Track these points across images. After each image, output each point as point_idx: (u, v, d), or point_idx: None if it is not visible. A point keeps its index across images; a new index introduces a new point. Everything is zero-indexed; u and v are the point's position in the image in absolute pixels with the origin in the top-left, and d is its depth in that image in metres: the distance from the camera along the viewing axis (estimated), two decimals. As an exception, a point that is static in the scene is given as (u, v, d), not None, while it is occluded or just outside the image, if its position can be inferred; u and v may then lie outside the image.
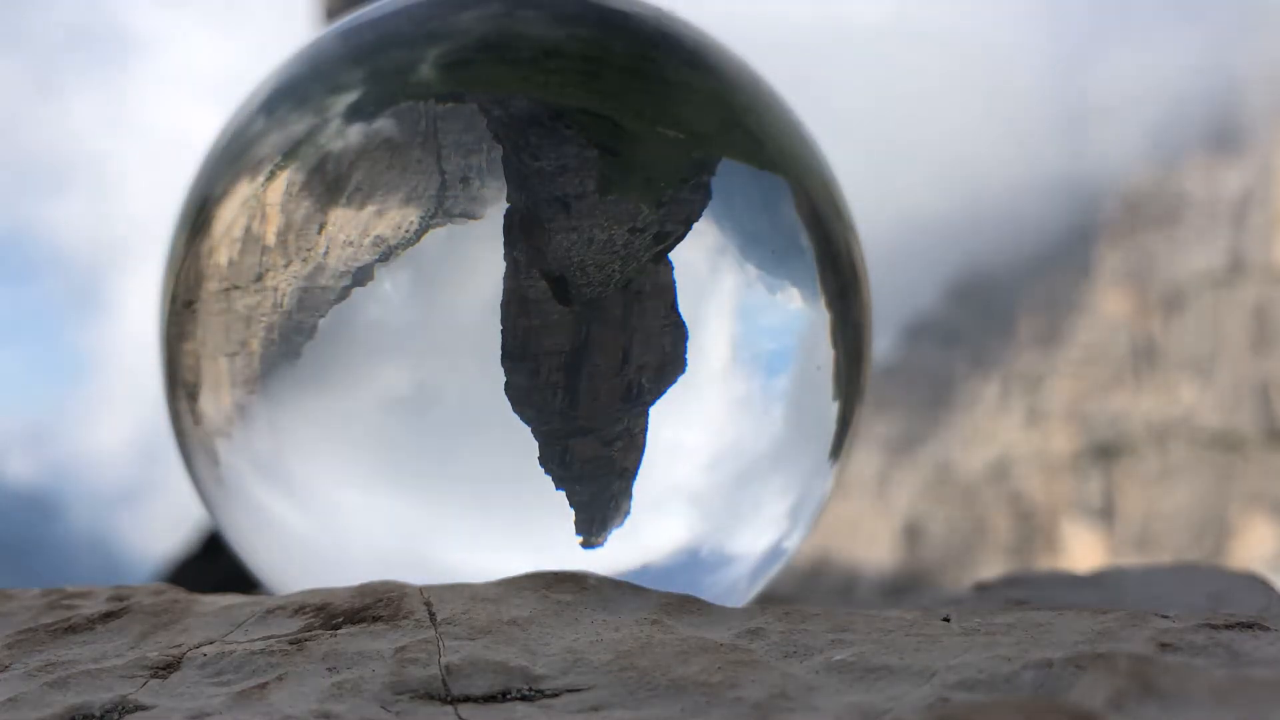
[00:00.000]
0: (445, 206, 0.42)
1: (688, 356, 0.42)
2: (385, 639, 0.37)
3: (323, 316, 0.42)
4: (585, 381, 0.42)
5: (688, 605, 0.40)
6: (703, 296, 0.43)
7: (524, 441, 0.41)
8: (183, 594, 0.44)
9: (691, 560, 0.46)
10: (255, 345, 0.44)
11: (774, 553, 0.49)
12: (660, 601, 0.40)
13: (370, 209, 0.42)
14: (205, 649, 0.37)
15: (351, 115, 0.44)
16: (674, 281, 0.42)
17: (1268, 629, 0.36)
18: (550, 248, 0.41)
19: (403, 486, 0.43)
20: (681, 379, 0.42)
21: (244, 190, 0.45)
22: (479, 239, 0.42)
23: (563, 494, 0.42)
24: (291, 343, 0.43)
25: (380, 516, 0.44)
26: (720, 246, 0.44)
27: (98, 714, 0.33)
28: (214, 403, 0.46)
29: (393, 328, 0.42)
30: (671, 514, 0.45)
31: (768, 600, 0.57)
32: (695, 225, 0.43)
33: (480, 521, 0.44)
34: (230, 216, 0.45)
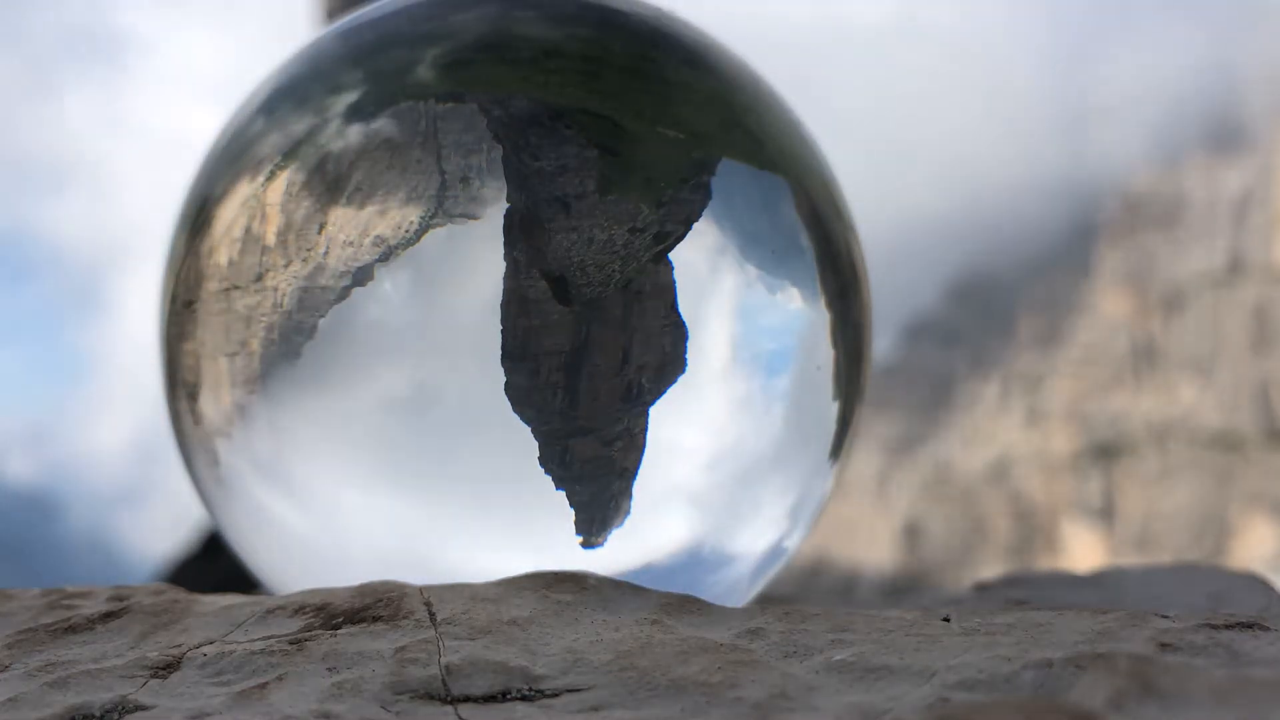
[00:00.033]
0: (445, 206, 0.42)
1: (688, 356, 0.42)
2: (385, 639, 0.37)
3: (323, 316, 0.42)
4: (585, 381, 0.42)
5: (688, 605, 0.40)
6: (703, 296, 0.43)
7: (524, 441, 0.41)
8: (183, 594, 0.44)
9: (691, 560, 0.46)
10: (255, 345, 0.44)
11: (774, 553, 0.49)
12: (660, 601, 0.40)
13: (370, 209, 0.42)
14: (205, 649, 0.37)
15: (351, 115, 0.44)
16: (674, 281, 0.42)
17: (1268, 629, 0.36)
18: (550, 248, 0.41)
19: (403, 486, 0.43)
20: (681, 379, 0.42)
21: (244, 190, 0.45)
22: (479, 239, 0.42)
23: (563, 494, 0.42)
24: (291, 343, 0.43)
25: (380, 516, 0.44)
26: (720, 246, 0.44)
27: (98, 714, 0.33)
28: (214, 403, 0.46)
29: (393, 328, 0.42)
30: (671, 514, 0.45)
31: (768, 600, 0.57)
32: (695, 225, 0.43)
33: (480, 521, 0.44)
34: (230, 216, 0.45)
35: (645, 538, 0.44)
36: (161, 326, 0.49)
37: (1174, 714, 0.27)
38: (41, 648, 0.39)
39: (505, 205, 0.41)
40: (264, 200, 0.44)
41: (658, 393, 0.42)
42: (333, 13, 1.43)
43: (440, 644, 0.36)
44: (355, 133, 0.43)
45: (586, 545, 0.43)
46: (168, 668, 0.36)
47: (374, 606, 0.39)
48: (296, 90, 0.47)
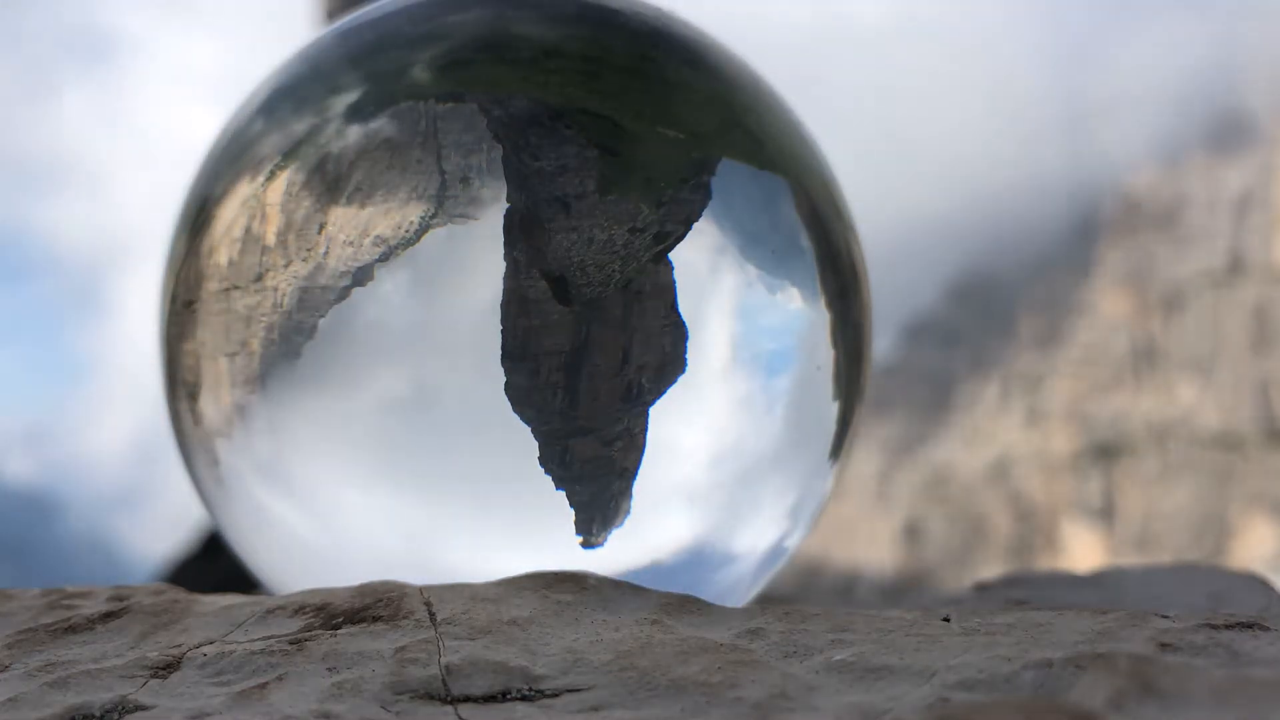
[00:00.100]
0: (445, 206, 0.42)
1: (688, 356, 0.42)
2: (385, 639, 0.37)
3: (323, 316, 0.42)
4: (585, 381, 0.42)
5: (688, 605, 0.40)
6: (703, 296, 0.43)
7: (524, 441, 0.41)
8: (183, 594, 0.44)
9: (691, 560, 0.46)
10: (255, 345, 0.44)
11: (774, 553, 0.49)
12: (660, 601, 0.40)
13: (370, 209, 0.42)
14: (205, 649, 0.37)
15: (351, 115, 0.44)
16: (674, 281, 0.42)
17: (1268, 629, 0.36)
18: (550, 248, 0.41)
19: (403, 486, 0.43)
20: (681, 379, 0.42)
21: (244, 190, 0.45)
22: (479, 239, 0.42)
23: (563, 494, 0.42)
24: (291, 343, 0.43)
25: (380, 516, 0.44)
26: (720, 246, 0.44)
27: (98, 714, 0.33)
28: (214, 403, 0.46)
29: (393, 328, 0.42)
30: (671, 514, 0.45)
31: (768, 600, 0.57)
32: (695, 225, 0.43)
33: (480, 521, 0.44)
34: (230, 216, 0.45)
35: (645, 538, 0.44)
36: (161, 326, 0.49)
37: (1174, 714, 0.27)
38: (41, 648, 0.39)
39: (505, 205, 0.41)
40: (264, 200, 0.44)
41: (658, 393, 0.42)
42: (333, 13, 1.43)
43: (440, 644, 0.36)
44: (355, 133, 0.43)
45: (586, 545, 0.43)
46: (168, 668, 0.36)
47: (374, 606, 0.39)
48: (296, 90, 0.47)
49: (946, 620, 0.39)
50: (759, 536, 0.47)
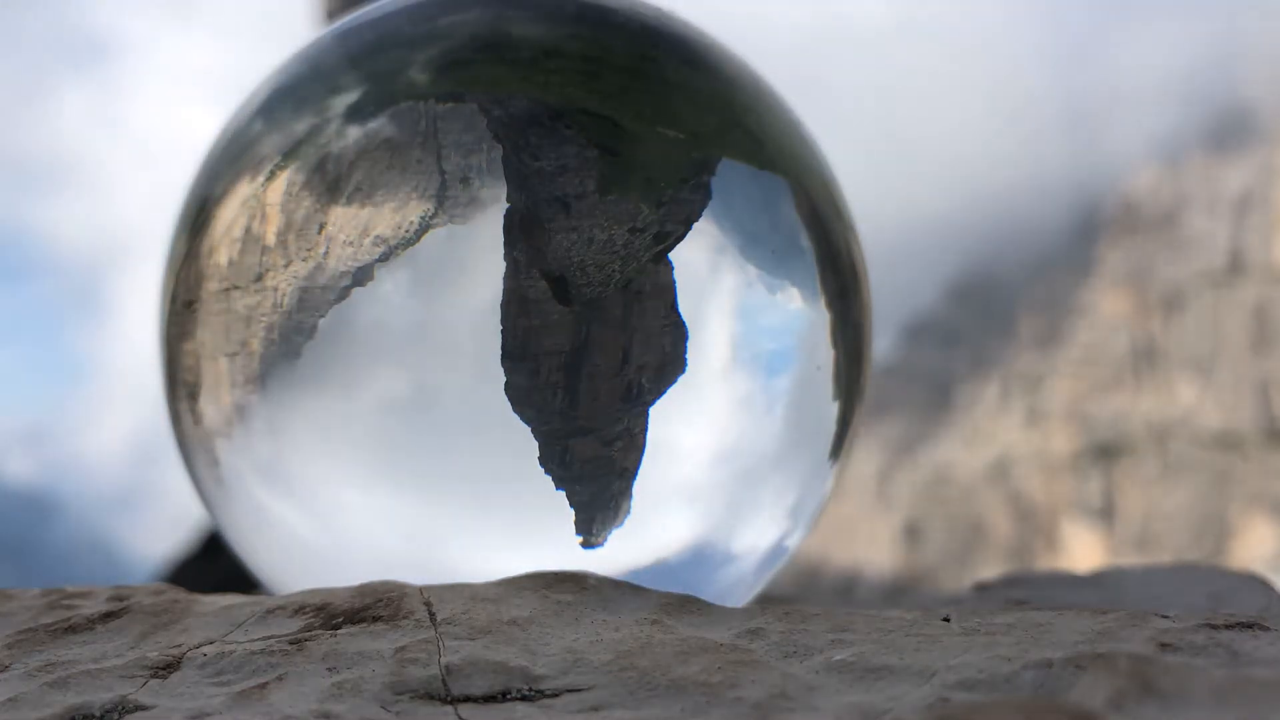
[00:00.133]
0: (445, 206, 0.42)
1: (688, 356, 0.42)
2: (385, 639, 0.37)
3: (323, 316, 0.42)
4: (585, 381, 0.42)
5: (688, 605, 0.40)
6: (703, 296, 0.43)
7: (524, 441, 0.41)
8: (183, 594, 0.44)
9: (691, 560, 0.46)
10: (255, 345, 0.44)
11: (774, 553, 0.49)
12: (660, 601, 0.40)
13: (370, 209, 0.42)
14: (205, 649, 0.37)
15: (351, 115, 0.44)
16: (674, 281, 0.42)
17: (1268, 629, 0.36)
18: (550, 248, 0.41)
19: (403, 486, 0.43)
20: (681, 379, 0.42)
21: (244, 190, 0.45)
22: (479, 239, 0.42)
23: (563, 494, 0.42)
24: (291, 343, 0.43)
25: (380, 516, 0.44)
26: (720, 246, 0.44)
27: (98, 714, 0.33)
28: (214, 403, 0.46)
29: (393, 328, 0.42)
30: (671, 514, 0.45)
31: (768, 600, 0.57)
32: (695, 225, 0.43)
33: (480, 521, 0.44)
34: (230, 216, 0.45)
35: (645, 538, 0.44)
36: (161, 327, 0.49)
37: (1174, 714, 0.27)
38: (41, 648, 0.39)
39: (505, 205, 0.41)
40: (264, 200, 0.44)
41: (658, 393, 0.42)
42: (333, 13, 1.43)
43: (440, 644, 0.36)
44: (355, 133, 0.43)
45: (586, 545, 0.43)
46: (168, 668, 0.36)
47: (374, 606, 0.39)
48: (296, 90, 0.47)
49: (946, 620, 0.39)
50: (759, 536, 0.47)
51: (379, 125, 0.43)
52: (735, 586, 0.48)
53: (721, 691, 0.32)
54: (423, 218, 0.42)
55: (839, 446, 0.49)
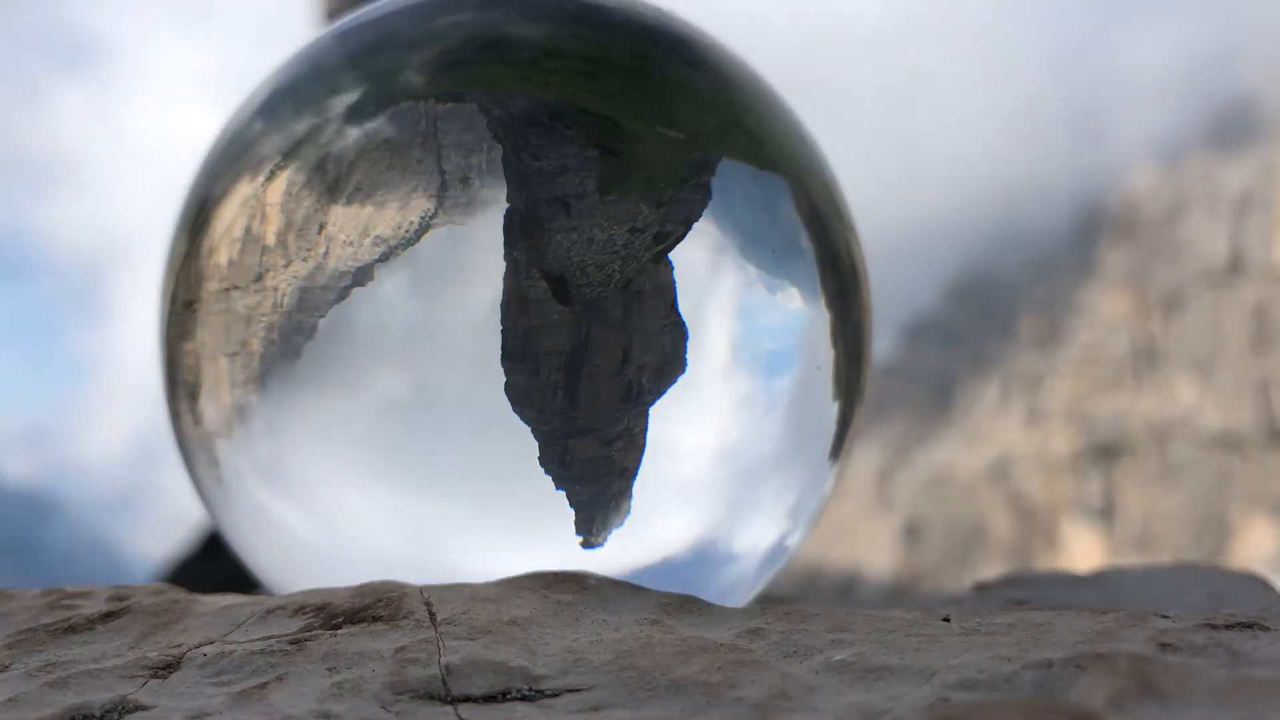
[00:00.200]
0: (445, 206, 0.42)
1: (688, 356, 0.42)
2: (385, 639, 0.37)
3: (323, 316, 0.42)
4: (585, 381, 0.42)
5: (688, 605, 0.40)
6: (703, 296, 0.43)
7: (524, 441, 0.41)
8: (183, 594, 0.44)
9: (691, 560, 0.46)
10: (255, 345, 0.44)
11: (774, 553, 0.49)
12: (660, 601, 0.40)
13: (370, 209, 0.42)
14: (205, 649, 0.37)
15: (351, 115, 0.44)
16: (674, 281, 0.42)
17: (1268, 629, 0.36)
18: (550, 248, 0.41)
19: (403, 487, 0.43)
20: (681, 379, 0.42)
21: (244, 190, 0.45)
22: (479, 239, 0.42)
23: (563, 494, 0.42)
24: (291, 343, 0.43)
25: (380, 516, 0.44)
26: (720, 246, 0.44)
27: (98, 714, 0.33)
28: (214, 403, 0.46)
29: (393, 328, 0.42)
30: (672, 514, 0.45)
31: (768, 600, 0.57)
32: (695, 225, 0.43)
33: (480, 521, 0.44)
34: (230, 216, 0.45)
35: (645, 538, 0.44)
36: (161, 326, 0.49)
37: (1174, 714, 0.27)
38: (41, 648, 0.39)
39: (505, 205, 0.41)
40: (264, 200, 0.44)
41: (658, 393, 0.42)
42: (333, 13, 1.43)
43: (440, 644, 0.36)
44: (355, 133, 0.43)
45: (586, 545, 0.43)
46: (168, 668, 0.36)
47: (374, 606, 0.39)
48: (296, 91, 0.47)
49: (946, 620, 0.39)
50: (759, 536, 0.47)
51: (379, 125, 0.43)
52: (735, 586, 0.48)
53: (721, 691, 0.32)
54: (423, 218, 0.42)
55: (839, 446, 0.49)
